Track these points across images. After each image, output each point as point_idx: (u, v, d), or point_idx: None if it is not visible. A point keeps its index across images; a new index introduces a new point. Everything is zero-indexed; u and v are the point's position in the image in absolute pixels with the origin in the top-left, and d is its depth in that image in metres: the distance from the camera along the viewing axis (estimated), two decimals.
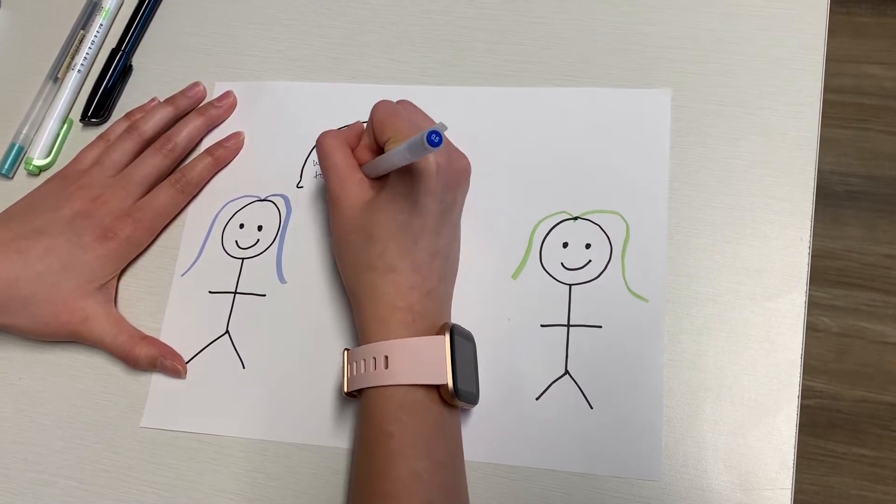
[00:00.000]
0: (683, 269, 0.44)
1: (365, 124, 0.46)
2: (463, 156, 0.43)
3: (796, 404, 0.41)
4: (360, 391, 0.41)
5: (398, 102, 0.45)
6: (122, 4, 0.59)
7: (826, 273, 1.19)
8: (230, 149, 0.52)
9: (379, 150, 0.43)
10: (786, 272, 0.43)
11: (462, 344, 0.40)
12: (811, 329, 1.15)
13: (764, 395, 0.41)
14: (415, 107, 0.45)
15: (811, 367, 1.13)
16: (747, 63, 0.48)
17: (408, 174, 0.40)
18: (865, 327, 1.15)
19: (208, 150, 0.52)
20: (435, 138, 0.34)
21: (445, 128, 0.35)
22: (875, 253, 1.20)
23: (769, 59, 0.48)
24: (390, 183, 0.41)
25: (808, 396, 1.12)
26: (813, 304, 1.17)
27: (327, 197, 0.44)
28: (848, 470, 1.08)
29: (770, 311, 0.43)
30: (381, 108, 0.43)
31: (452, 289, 0.45)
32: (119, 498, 0.45)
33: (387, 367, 0.39)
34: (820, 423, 1.11)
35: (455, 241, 0.44)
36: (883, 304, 1.16)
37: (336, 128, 0.49)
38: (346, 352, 0.42)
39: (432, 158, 0.39)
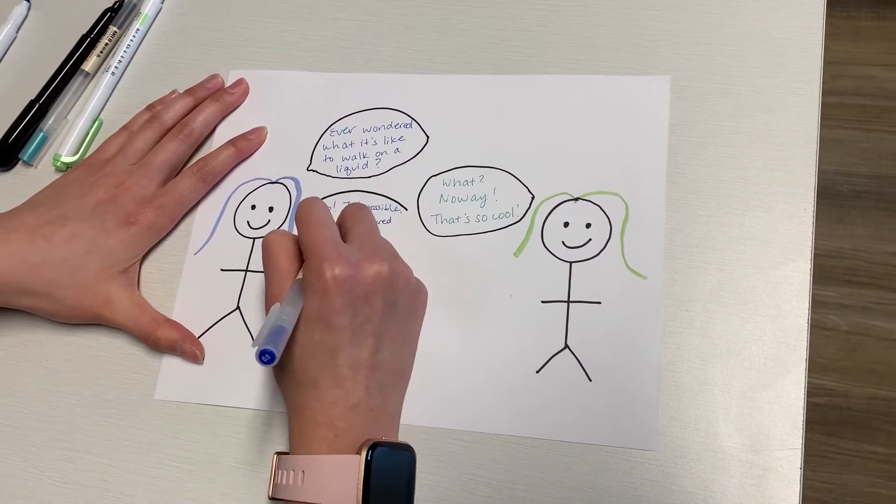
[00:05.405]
0: (691, 239, 0.45)
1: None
2: (377, 262, 0.41)
3: (804, 367, 0.42)
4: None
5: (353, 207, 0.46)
6: (159, 11, 0.61)
7: (834, 272, 1.19)
8: (253, 142, 0.54)
9: None
10: (790, 241, 0.44)
11: (386, 461, 0.38)
12: (820, 328, 1.16)
13: (772, 360, 0.42)
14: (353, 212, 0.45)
15: (821, 365, 1.13)
16: (749, 43, 0.50)
17: (314, 295, 0.40)
18: (874, 325, 1.16)
19: (231, 141, 0.53)
20: (265, 358, 0.37)
21: (274, 356, 0.37)
22: (882, 251, 1.20)
23: (770, 39, 0.50)
24: (306, 304, 0.41)
25: (819, 394, 1.12)
26: (821, 303, 1.17)
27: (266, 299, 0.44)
28: (860, 467, 1.08)
29: (776, 279, 0.44)
30: (297, 214, 0.44)
31: (393, 397, 0.43)
32: (142, 472, 0.46)
33: (302, 482, 0.38)
34: (831, 421, 1.11)
35: (385, 348, 0.41)
36: (891, 302, 1.17)
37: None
38: (275, 456, 0.41)
39: (329, 276, 0.39)
